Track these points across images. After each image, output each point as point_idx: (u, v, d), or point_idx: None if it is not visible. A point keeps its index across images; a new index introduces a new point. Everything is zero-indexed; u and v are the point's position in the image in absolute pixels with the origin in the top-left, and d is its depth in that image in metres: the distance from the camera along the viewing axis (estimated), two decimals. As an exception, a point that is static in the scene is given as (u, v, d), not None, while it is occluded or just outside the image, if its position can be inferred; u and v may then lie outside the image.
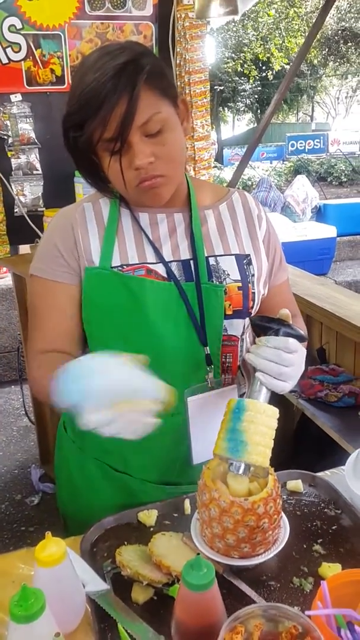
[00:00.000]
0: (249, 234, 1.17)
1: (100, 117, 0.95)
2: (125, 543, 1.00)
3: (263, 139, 4.75)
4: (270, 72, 19.42)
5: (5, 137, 2.59)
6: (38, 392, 1.09)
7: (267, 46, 17.97)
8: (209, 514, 0.90)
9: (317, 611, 0.74)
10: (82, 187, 2.60)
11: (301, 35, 16.81)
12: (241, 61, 18.72)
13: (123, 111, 0.94)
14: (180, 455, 1.13)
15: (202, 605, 0.75)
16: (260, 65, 19.61)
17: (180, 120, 1.06)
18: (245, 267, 1.13)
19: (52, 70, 2.60)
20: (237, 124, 27.65)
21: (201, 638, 0.75)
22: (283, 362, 0.95)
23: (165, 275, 1.08)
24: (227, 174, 10.09)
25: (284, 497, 1.12)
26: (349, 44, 20.31)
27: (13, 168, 2.65)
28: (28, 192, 2.70)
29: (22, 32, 2.49)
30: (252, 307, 1.14)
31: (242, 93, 21.68)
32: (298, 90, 22.91)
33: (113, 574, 0.94)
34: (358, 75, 23.92)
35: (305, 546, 1.00)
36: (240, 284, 1.11)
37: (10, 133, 2.59)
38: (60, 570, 0.81)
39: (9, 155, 2.62)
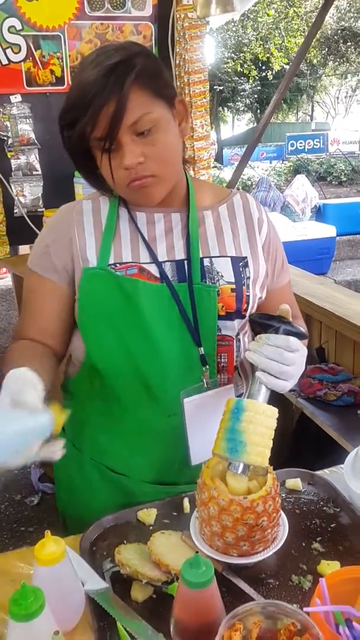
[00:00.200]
0: (248, 236, 1.16)
1: (89, 116, 0.96)
2: (125, 542, 1.00)
3: (263, 138, 4.75)
4: (270, 72, 19.42)
5: (5, 137, 2.60)
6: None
7: (267, 46, 17.97)
8: (208, 512, 0.91)
9: (315, 608, 0.75)
10: (82, 188, 2.60)
11: (301, 35, 16.80)
12: (241, 61, 18.72)
13: (112, 110, 0.95)
14: (177, 455, 1.13)
15: (201, 603, 0.75)
16: (260, 65, 19.60)
17: (178, 121, 1.06)
18: (240, 269, 1.13)
19: (52, 71, 2.61)
20: (237, 124, 27.64)
21: (200, 636, 0.75)
22: (284, 361, 0.95)
23: (157, 275, 1.08)
24: (227, 173, 10.09)
25: (283, 495, 1.12)
26: (349, 43, 20.31)
27: (13, 169, 2.65)
28: (28, 193, 2.70)
29: (22, 33, 2.49)
30: (245, 310, 1.13)
31: (241, 93, 21.67)
32: (298, 89, 22.89)
33: (112, 573, 0.94)
34: (358, 75, 23.91)
35: (304, 544, 1.00)
36: (233, 286, 1.11)
37: (10, 134, 2.60)
38: (60, 568, 0.81)
39: (9, 156, 2.63)
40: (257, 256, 1.16)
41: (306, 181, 9.07)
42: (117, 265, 1.08)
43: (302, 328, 1.02)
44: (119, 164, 1.00)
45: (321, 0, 3.42)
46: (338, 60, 21.69)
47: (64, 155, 1.07)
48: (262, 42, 18.03)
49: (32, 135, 2.64)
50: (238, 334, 1.16)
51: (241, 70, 19.02)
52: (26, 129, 2.62)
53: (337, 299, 2.58)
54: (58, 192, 2.68)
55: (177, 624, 0.77)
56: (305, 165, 12.25)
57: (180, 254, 1.11)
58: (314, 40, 3.82)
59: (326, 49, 20.50)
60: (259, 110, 22.70)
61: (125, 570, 0.90)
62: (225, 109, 24.06)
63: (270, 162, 13.46)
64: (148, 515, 1.07)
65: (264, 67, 19.75)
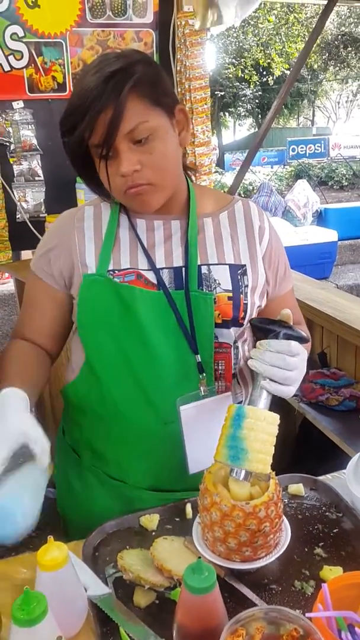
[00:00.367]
0: (248, 244, 1.15)
1: (87, 122, 0.97)
2: (127, 547, 1.00)
3: (264, 143, 4.77)
4: (271, 77, 19.51)
5: (8, 143, 2.61)
6: None
7: (268, 52, 18.04)
8: (210, 517, 0.91)
9: (318, 613, 0.74)
10: (83, 193, 2.61)
11: (301, 40, 16.87)
12: (242, 67, 18.80)
13: (109, 118, 0.96)
14: (175, 462, 1.13)
15: (204, 609, 0.75)
16: (261, 70, 19.67)
17: (178, 130, 1.06)
18: (239, 277, 1.13)
19: (54, 78, 2.62)
20: (238, 129, 27.73)
21: (203, 641, 0.75)
22: (287, 367, 0.95)
23: (155, 282, 1.09)
24: (229, 179, 10.12)
25: (286, 500, 1.12)
26: (349, 48, 20.38)
27: (15, 174, 2.66)
28: (30, 198, 2.71)
29: (24, 40, 2.51)
30: (242, 318, 1.12)
31: (242, 98, 21.74)
32: (299, 94, 22.97)
33: (115, 578, 0.94)
34: (358, 80, 23.97)
35: (306, 549, 1.00)
36: (230, 294, 1.11)
37: (12, 140, 2.61)
38: (63, 574, 0.81)
39: (11, 162, 2.64)
40: (257, 264, 1.15)
41: (307, 186, 9.09)
42: (116, 271, 1.09)
43: (304, 332, 1.02)
44: (116, 171, 1.01)
45: (321, 6, 3.44)
46: (339, 65, 21.77)
47: (66, 161, 1.08)
48: (262, 48, 18.11)
49: (34, 141, 2.65)
50: (236, 342, 1.16)
51: (242, 75, 19.11)
52: (28, 134, 2.63)
53: (339, 303, 2.58)
54: (60, 198, 2.68)
55: (180, 629, 0.77)
56: (306, 169, 12.27)
57: (178, 261, 1.11)
58: (314, 45, 3.84)
59: (327, 54, 20.58)
60: (260, 115, 22.77)
61: (128, 575, 0.90)
62: (227, 114, 24.14)
63: (272, 167, 13.51)
64: (150, 520, 1.07)
65: (264, 73, 19.83)
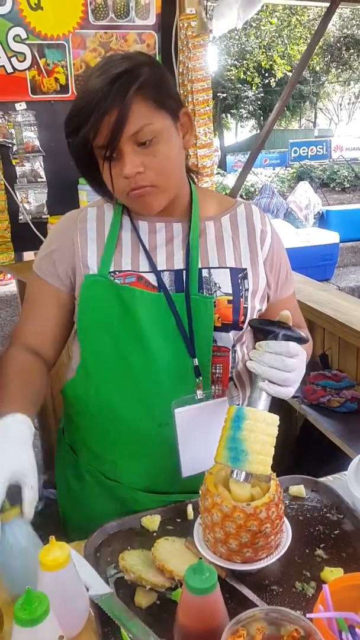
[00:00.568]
0: (249, 248, 1.16)
1: (91, 123, 0.97)
2: (129, 548, 1.00)
3: (266, 145, 4.77)
4: (273, 79, 19.50)
5: (10, 145, 2.62)
6: None
7: (270, 54, 18.06)
8: (211, 518, 0.91)
9: (318, 614, 0.75)
10: (86, 195, 2.61)
11: (303, 42, 16.88)
12: (244, 68, 18.81)
13: (114, 119, 0.96)
14: (169, 465, 1.13)
15: (205, 609, 0.76)
16: (263, 72, 19.68)
17: (182, 134, 1.07)
18: (239, 281, 1.13)
19: (57, 79, 2.63)
20: (240, 131, 27.72)
21: (204, 642, 0.75)
22: (286, 368, 0.95)
23: (155, 284, 1.09)
24: (231, 180, 10.12)
25: (287, 502, 1.12)
26: (352, 50, 20.37)
27: (18, 176, 2.67)
28: (32, 200, 2.71)
29: (27, 41, 2.51)
30: (242, 322, 1.13)
31: (245, 100, 21.74)
32: (301, 96, 22.98)
33: (116, 578, 0.95)
34: (361, 82, 24.00)
35: (307, 551, 1.00)
36: (230, 298, 1.11)
37: (15, 141, 2.62)
38: (64, 574, 0.81)
39: (14, 163, 2.64)
40: (258, 268, 1.16)
41: (309, 188, 9.09)
42: (117, 273, 1.09)
43: (303, 333, 1.02)
44: (119, 173, 1.01)
45: (324, 8, 3.45)
46: (341, 67, 21.76)
47: (69, 163, 1.08)
48: (265, 50, 18.13)
49: (37, 143, 2.65)
50: (234, 345, 1.16)
51: (244, 77, 19.12)
52: (31, 136, 2.64)
53: (340, 305, 2.58)
54: (62, 199, 2.69)
55: (181, 629, 0.77)
56: (308, 171, 12.27)
57: (179, 264, 1.11)
58: (316, 47, 3.85)
59: (329, 56, 20.58)
60: (262, 117, 22.77)
61: (129, 576, 0.90)
62: (229, 115, 24.15)
63: (274, 169, 13.49)
64: (152, 521, 1.07)
65: (267, 75, 19.84)
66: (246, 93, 21.06)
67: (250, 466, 0.89)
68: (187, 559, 0.93)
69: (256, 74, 19.19)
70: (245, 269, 1.14)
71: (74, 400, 1.20)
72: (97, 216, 1.16)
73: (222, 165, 14.43)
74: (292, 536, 0.96)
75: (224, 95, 20.47)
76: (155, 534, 1.05)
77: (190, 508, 1.10)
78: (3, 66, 2.49)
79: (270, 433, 0.92)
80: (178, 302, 1.08)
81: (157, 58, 2.77)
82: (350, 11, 17.97)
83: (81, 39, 2.62)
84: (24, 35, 2.50)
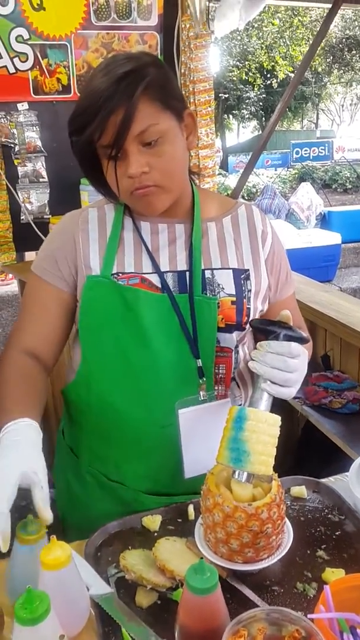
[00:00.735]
0: (251, 249, 1.16)
1: (97, 122, 0.97)
2: (130, 547, 1.00)
3: (268, 146, 4.77)
4: (275, 80, 19.53)
5: (12, 145, 2.62)
6: None
7: (272, 54, 18.09)
8: (212, 519, 0.91)
9: (319, 615, 0.75)
10: (87, 195, 2.62)
11: (305, 43, 16.91)
12: (246, 69, 18.85)
13: (120, 119, 0.96)
14: (172, 466, 1.13)
15: (206, 609, 0.75)
16: (265, 73, 19.72)
17: (186, 134, 1.07)
18: (242, 282, 1.13)
19: (59, 80, 2.63)
20: (242, 132, 27.74)
21: (204, 642, 0.75)
22: (288, 369, 0.95)
23: (159, 285, 1.09)
24: (232, 181, 10.13)
25: (288, 502, 1.12)
26: (354, 52, 20.39)
27: (20, 176, 2.67)
28: (34, 200, 2.72)
29: (29, 42, 2.52)
30: (246, 323, 1.12)
31: (247, 101, 21.76)
32: (303, 97, 23.00)
33: (117, 578, 0.94)
34: (363, 83, 24.00)
35: (308, 551, 1.00)
36: (234, 299, 1.11)
37: (17, 141, 2.62)
38: (65, 573, 0.81)
39: (16, 163, 2.65)
40: (260, 269, 1.16)
41: (311, 189, 9.08)
42: (120, 274, 1.09)
43: (304, 333, 1.02)
44: (124, 172, 1.01)
45: (326, 9, 3.45)
46: (343, 68, 21.78)
47: (70, 163, 1.08)
48: (267, 51, 18.16)
49: (39, 143, 2.66)
50: (237, 346, 1.16)
51: (246, 78, 19.16)
52: (33, 136, 2.65)
53: (342, 306, 2.58)
54: (64, 199, 2.70)
55: (182, 629, 0.77)
56: (310, 172, 12.27)
57: (182, 265, 1.11)
58: (318, 48, 3.85)
59: (331, 57, 20.60)
60: (264, 118, 22.78)
61: (130, 575, 0.90)
62: (231, 116, 24.17)
63: (275, 170, 13.49)
64: (153, 521, 1.07)
65: (269, 75, 19.87)
66: (248, 94, 21.08)
67: (252, 467, 0.89)
68: (188, 559, 0.93)
69: (258, 75, 19.22)
70: (248, 269, 1.14)
71: (76, 401, 1.20)
72: (98, 217, 1.15)
73: (224, 166, 14.44)
74: (294, 537, 0.96)
75: (226, 96, 20.50)
76: (156, 533, 1.05)
77: (191, 508, 1.10)
78: (5, 66, 2.50)
79: (272, 434, 0.91)
80: (182, 303, 1.08)
81: (159, 59, 2.78)
82: (352, 12, 17.97)
83: (83, 39, 2.63)
84: (26, 35, 2.50)
